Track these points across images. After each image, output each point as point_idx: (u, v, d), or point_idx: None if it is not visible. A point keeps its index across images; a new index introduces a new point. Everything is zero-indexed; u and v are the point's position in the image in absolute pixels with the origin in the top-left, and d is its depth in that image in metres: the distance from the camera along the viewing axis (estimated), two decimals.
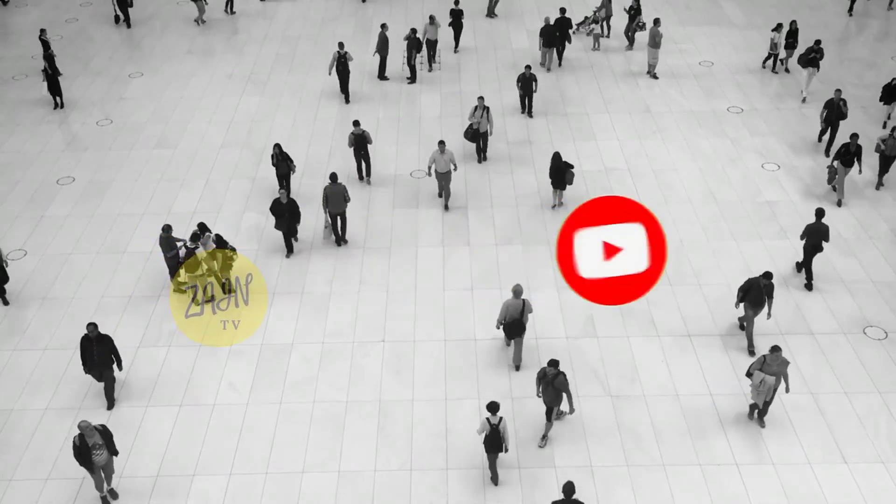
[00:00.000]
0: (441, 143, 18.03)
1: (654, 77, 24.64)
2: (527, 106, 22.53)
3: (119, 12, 28.18)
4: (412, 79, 24.67)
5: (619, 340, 15.58)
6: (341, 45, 22.87)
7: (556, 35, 24.44)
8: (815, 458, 13.31)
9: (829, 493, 12.77)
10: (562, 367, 14.99)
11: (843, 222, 18.49)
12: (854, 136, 18.44)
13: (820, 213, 16.29)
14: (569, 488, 11.12)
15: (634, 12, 25.89)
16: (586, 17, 27.02)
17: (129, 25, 28.01)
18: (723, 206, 19.12)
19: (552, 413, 13.23)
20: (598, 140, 21.68)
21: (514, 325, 14.52)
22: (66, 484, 13.08)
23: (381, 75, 24.85)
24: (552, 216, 18.85)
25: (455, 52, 26.14)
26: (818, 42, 22.34)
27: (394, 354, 15.34)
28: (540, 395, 13.32)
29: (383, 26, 24.11)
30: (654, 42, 23.94)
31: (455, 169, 18.64)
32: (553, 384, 12.83)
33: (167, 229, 16.12)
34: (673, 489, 12.86)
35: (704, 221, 18.65)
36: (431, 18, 24.67)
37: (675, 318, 16.06)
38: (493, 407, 12.32)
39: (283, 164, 18.74)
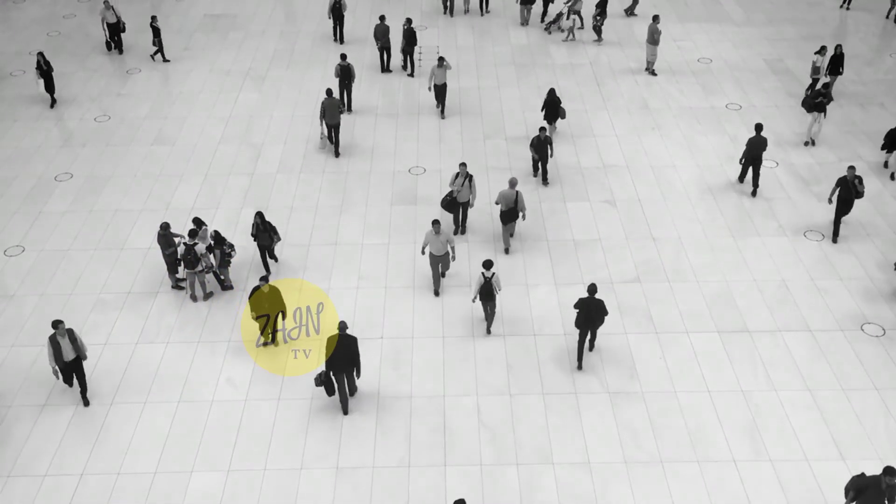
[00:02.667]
0: (435, 222, 15.64)
1: (653, 74, 24.64)
2: (541, 172, 19.62)
3: (110, 38, 26.07)
4: (410, 72, 24.67)
5: (618, 337, 15.59)
6: (343, 56, 22.25)
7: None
8: (812, 454, 13.34)
9: (826, 489, 12.80)
10: (560, 364, 15.00)
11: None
12: (826, 84, 19.97)
13: (759, 127, 18.69)
14: (592, 288, 14.24)
15: (600, 7, 26.16)
16: (560, 14, 26.90)
17: (120, 52, 26.08)
18: (721, 203, 19.13)
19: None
20: (597, 136, 21.68)
21: (508, 212, 17.22)
22: (64, 480, 13.09)
23: (385, 68, 24.93)
24: (551, 213, 18.85)
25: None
26: (826, 86, 20.86)
27: (392, 350, 15.35)
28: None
29: (381, 18, 24.27)
30: (653, 39, 23.93)
31: (453, 255, 15.99)
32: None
33: (165, 227, 16.10)
34: (671, 485, 12.88)
35: (702, 218, 18.67)
36: (441, 60, 21.55)
37: (674, 314, 16.08)
38: (487, 264, 14.79)
39: (264, 234, 16.27)
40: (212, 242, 16.31)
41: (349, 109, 22.84)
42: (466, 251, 17.74)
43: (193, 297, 16.47)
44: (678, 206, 19.08)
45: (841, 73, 22.69)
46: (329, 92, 20.30)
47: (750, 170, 19.59)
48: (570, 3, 26.52)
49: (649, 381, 14.67)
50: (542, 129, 18.80)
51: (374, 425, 13.91)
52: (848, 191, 17.21)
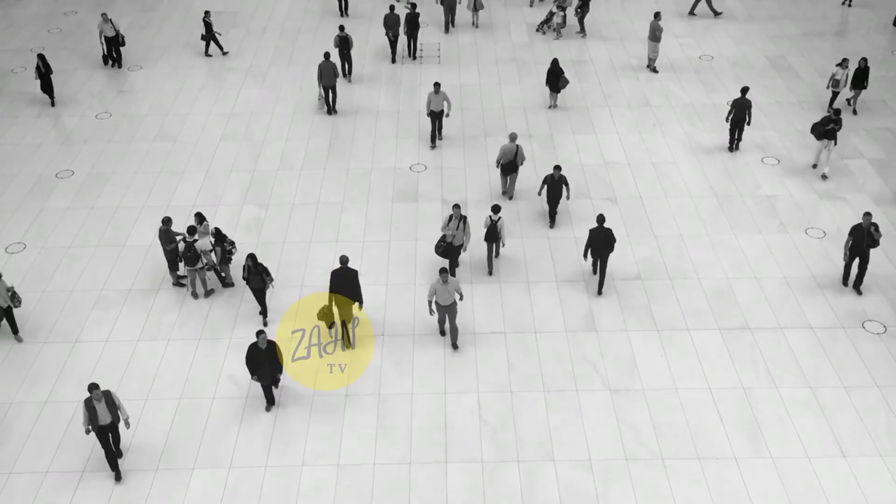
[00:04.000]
0: (443, 271, 14.32)
1: (654, 71, 24.61)
2: (549, 217, 18.17)
3: (108, 52, 24.99)
4: (413, 56, 25.55)
5: (618, 334, 15.59)
6: (342, 27, 23.69)
7: None
8: (813, 451, 13.34)
9: (827, 486, 12.80)
10: (561, 361, 15.02)
11: (843, 217, 18.48)
12: (836, 111, 18.90)
13: (744, 90, 19.94)
14: (601, 218, 15.67)
15: (582, 3, 26.24)
16: (551, 13, 26.79)
17: (119, 65, 25.10)
18: (722, 200, 19.11)
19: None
20: (598, 133, 21.66)
21: (508, 165, 18.51)
22: (66, 477, 13.10)
23: (393, 59, 25.35)
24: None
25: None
26: (837, 112, 19.17)
27: (393, 347, 15.35)
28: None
29: (391, 7, 24.81)
30: (654, 36, 23.89)
31: (461, 295, 15.01)
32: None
33: (167, 222, 16.11)
34: (671, 483, 12.89)
35: (704, 215, 18.65)
36: (436, 87, 20.34)
37: (675, 311, 16.07)
38: (496, 208, 16.24)
39: (256, 278, 15.23)
40: (213, 240, 16.31)
41: (349, 75, 24.18)
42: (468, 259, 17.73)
43: (194, 295, 16.48)
44: (679, 203, 19.07)
45: (865, 88, 21.76)
46: (327, 55, 21.75)
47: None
48: (558, 2, 26.54)
49: (650, 379, 14.67)
50: (557, 167, 17.32)
51: (374, 422, 13.92)
52: (862, 239, 15.67)
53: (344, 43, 23.66)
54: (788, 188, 19.46)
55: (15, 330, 15.44)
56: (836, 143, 19.30)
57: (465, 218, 16.18)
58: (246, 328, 15.82)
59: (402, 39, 26.48)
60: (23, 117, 22.76)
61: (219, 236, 16.31)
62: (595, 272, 16.77)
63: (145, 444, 13.60)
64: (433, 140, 20.86)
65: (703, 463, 13.19)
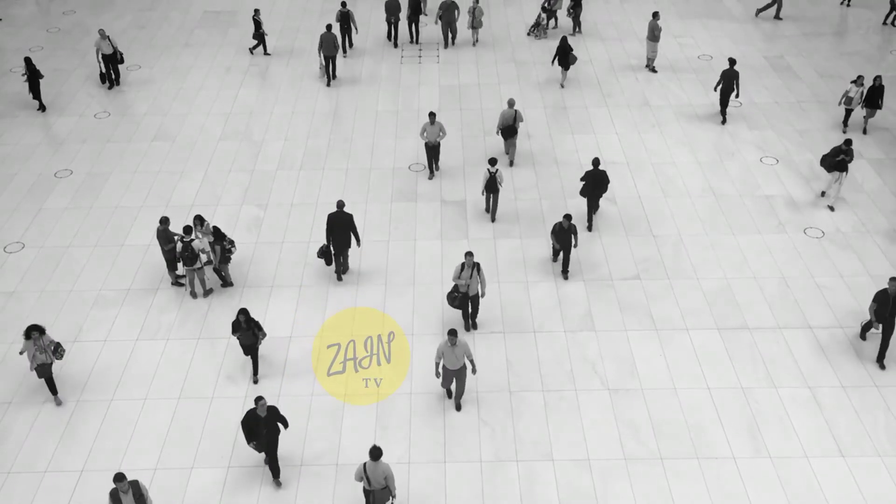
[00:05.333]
0: (452, 333, 13.21)
1: (653, 70, 24.62)
2: (563, 264, 16.85)
3: (105, 71, 23.93)
4: (414, 40, 26.35)
5: (618, 334, 15.60)
6: (343, 3, 24.70)
7: None
8: (812, 451, 13.35)
9: (826, 486, 12.81)
10: (560, 361, 15.02)
11: (842, 217, 18.50)
12: (848, 141, 17.94)
13: (732, 61, 21.05)
14: (596, 161, 16.98)
15: (575, 3, 26.31)
16: (540, 14, 26.76)
17: (118, 83, 24.02)
18: (721, 200, 19.12)
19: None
20: (597, 133, 21.66)
21: (507, 129, 19.63)
22: (64, 476, 13.10)
23: (395, 43, 26.18)
24: (551, 211, 18.85)
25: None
26: (848, 142, 17.99)
27: (392, 346, 15.34)
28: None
29: None
30: (653, 35, 23.91)
31: (473, 368, 13.63)
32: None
33: (164, 221, 16.10)
34: (670, 482, 12.89)
35: (703, 215, 18.66)
36: (432, 117, 19.08)
37: (674, 311, 16.08)
38: (492, 161, 17.49)
39: (247, 333, 14.13)
40: (212, 239, 16.30)
41: (348, 49, 25.70)
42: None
43: (193, 294, 16.47)
44: (678, 203, 19.07)
45: (880, 108, 20.72)
46: (328, 27, 23.11)
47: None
48: (546, 4, 26.52)
49: (649, 379, 14.68)
50: (567, 216, 16.10)
51: (373, 422, 13.91)
52: (887, 306, 14.35)
53: (345, 18, 24.75)
54: (787, 188, 19.48)
55: (53, 390, 14.12)
56: (847, 174, 18.44)
57: (478, 265, 14.98)
58: None
59: (403, 24, 27.19)
60: (21, 117, 22.74)
61: (217, 235, 16.30)
62: (589, 215, 17.91)
63: (144, 444, 13.59)
64: (431, 171, 19.90)
65: (702, 462, 13.19)
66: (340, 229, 16.02)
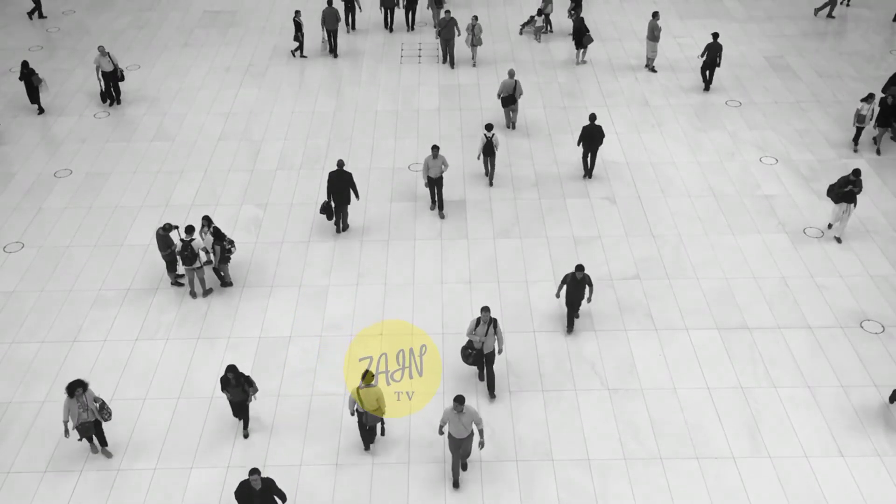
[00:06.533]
0: (459, 400, 12.00)
1: (653, 70, 24.61)
2: (568, 318, 15.56)
3: (106, 89, 22.89)
4: (411, 27, 27.25)
5: (617, 334, 15.59)
6: None
7: None
8: (811, 451, 13.35)
9: (825, 486, 12.81)
10: (560, 360, 15.01)
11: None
12: (856, 171, 16.90)
13: (715, 35, 22.53)
14: (593, 116, 18.77)
15: (575, 4, 26.25)
16: (531, 17, 26.78)
17: (119, 102, 23.13)
18: (721, 200, 19.12)
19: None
20: None
21: (508, 98, 21.00)
22: (64, 476, 13.09)
23: (390, 28, 27.20)
24: (550, 210, 18.85)
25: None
26: (856, 172, 16.95)
27: (391, 347, 15.33)
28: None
29: None
30: (653, 35, 23.90)
31: (482, 441, 12.55)
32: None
33: (167, 228, 16.07)
34: (670, 482, 12.89)
35: (702, 215, 18.66)
36: (434, 150, 17.86)
37: (673, 311, 16.07)
38: (489, 127, 18.68)
39: (236, 390, 13.16)
40: (212, 239, 16.29)
41: (351, 24, 27.09)
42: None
43: (193, 294, 16.47)
44: (678, 202, 19.07)
45: (891, 126, 19.97)
46: (329, 1, 24.78)
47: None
48: (540, 7, 26.57)
49: (649, 378, 14.68)
50: (580, 266, 14.72)
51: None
52: None
53: (349, 2, 26.31)
54: (787, 188, 19.47)
55: (103, 442, 13.36)
56: (855, 206, 17.34)
57: (495, 321, 13.75)
58: (244, 327, 15.81)
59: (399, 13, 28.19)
60: (21, 116, 22.74)
61: (217, 235, 16.29)
62: (585, 164, 19.62)
63: (143, 444, 13.58)
64: (439, 210, 18.63)
65: (702, 462, 13.19)
66: (340, 186, 17.32)
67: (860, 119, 20.09)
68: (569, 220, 18.49)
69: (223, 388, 13.15)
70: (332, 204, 17.69)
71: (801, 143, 21.10)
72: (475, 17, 24.41)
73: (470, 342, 13.93)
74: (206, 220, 16.31)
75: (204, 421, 13.98)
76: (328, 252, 17.66)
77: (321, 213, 17.82)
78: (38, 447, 13.56)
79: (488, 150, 19.07)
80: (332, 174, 17.38)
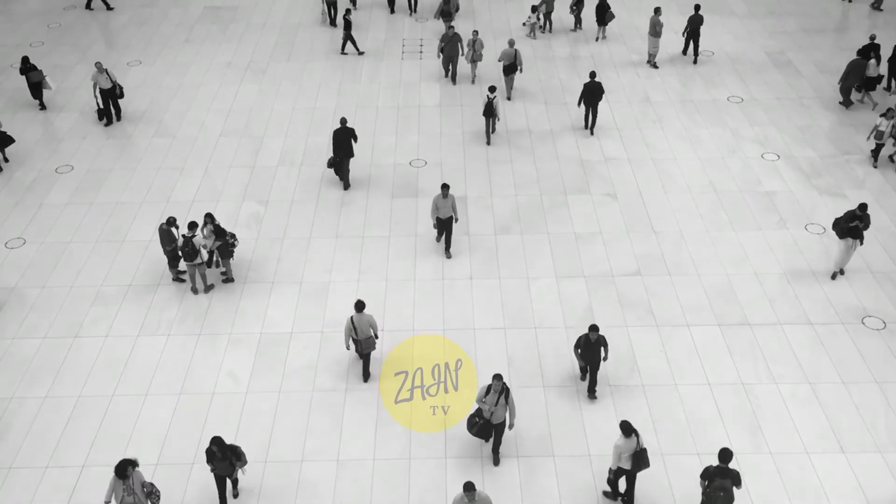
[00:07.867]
0: (468, 488, 10.90)
1: (654, 66, 24.58)
2: (588, 379, 14.39)
3: (104, 107, 21.76)
4: (412, 11, 28.12)
5: (618, 330, 15.59)
6: None
7: None
8: (812, 447, 13.35)
9: (826, 482, 12.81)
10: (560, 359, 15.01)
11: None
12: (862, 206, 15.86)
13: (697, 7, 23.89)
14: (593, 74, 20.67)
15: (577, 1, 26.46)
16: (530, 17, 26.65)
17: (118, 119, 22.08)
18: (722, 196, 19.11)
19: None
20: (598, 129, 21.63)
21: (509, 66, 22.35)
22: (65, 472, 13.11)
23: (392, 9, 28.16)
24: (551, 206, 18.84)
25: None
26: (863, 207, 15.84)
27: (393, 342, 15.34)
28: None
29: None
30: (655, 31, 23.87)
31: None
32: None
33: (171, 222, 16.06)
34: (671, 478, 12.90)
35: (704, 211, 18.64)
36: (444, 189, 16.61)
37: (675, 307, 16.07)
38: (492, 89, 20.24)
39: (222, 463, 12.04)
40: (213, 237, 16.30)
41: (355, 8, 28.44)
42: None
43: (194, 290, 16.48)
44: (679, 199, 19.06)
45: None
46: None
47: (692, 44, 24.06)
48: (540, 5, 26.51)
49: (650, 375, 14.68)
50: (594, 327, 13.55)
51: (374, 418, 13.92)
52: None
53: None
54: (788, 184, 19.45)
55: None
56: (861, 243, 16.18)
57: (507, 390, 12.62)
58: (245, 324, 15.82)
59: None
60: (22, 112, 22.74)
61: (219, 232, 16.29)
62: (587, 122, 21.23)
63: (144, 440, 13.60)
64: (446, 250, 17.42)
65: (703, 458, 13.19)
66: (342, 140, 18.83)
67: (879, 135, 19.07)
68: (570, 217, 18.48)
69: (208, 461, 12.02)
70: (337, 159, 19.03)
71: (803, 140, 21.07)
72: (475, 32, 23.45)
73: (479, 410, 12.86)
74: (209, 218, 16.31)
75: (205, 417, 13.99)
76: (329, 248, 17.66)
77: (328, 167, 19.28)
78: (39, 443, 13.58)
79: (489, 111, 20.37)
80: (336, 131, 18.90)
